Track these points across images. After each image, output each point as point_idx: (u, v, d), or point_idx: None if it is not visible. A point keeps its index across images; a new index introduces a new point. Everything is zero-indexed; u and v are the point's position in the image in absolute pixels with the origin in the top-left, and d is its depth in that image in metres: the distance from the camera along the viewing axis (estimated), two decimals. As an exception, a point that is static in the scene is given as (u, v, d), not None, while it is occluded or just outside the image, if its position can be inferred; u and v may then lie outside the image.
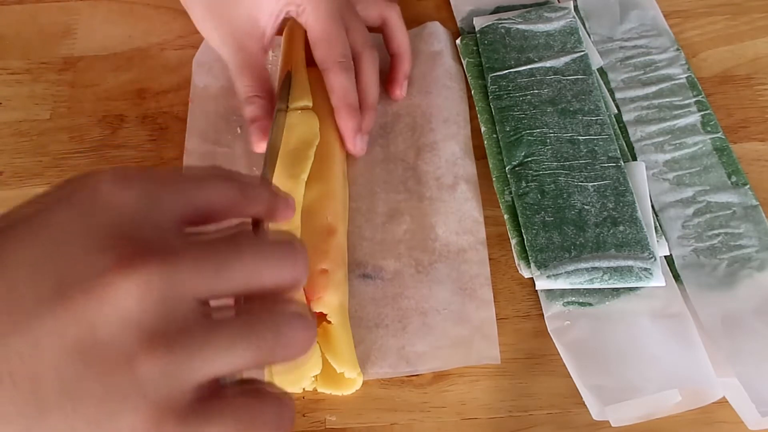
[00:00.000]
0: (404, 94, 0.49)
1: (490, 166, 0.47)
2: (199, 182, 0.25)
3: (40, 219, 0.23)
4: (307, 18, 0.43)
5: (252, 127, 0.44)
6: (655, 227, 0.44)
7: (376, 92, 0.46)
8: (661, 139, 0.48)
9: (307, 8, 0.43)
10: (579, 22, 0.53)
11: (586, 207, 0.44)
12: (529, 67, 0.50)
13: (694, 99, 0.50)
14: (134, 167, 0.22)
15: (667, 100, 0.50)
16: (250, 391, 0.24)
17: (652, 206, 0.45)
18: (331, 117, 0.45)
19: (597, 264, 0.42)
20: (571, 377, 0.40)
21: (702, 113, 0.49)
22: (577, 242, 0.43)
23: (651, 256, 0.42)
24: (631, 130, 0.49)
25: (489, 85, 0.50)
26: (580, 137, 0.47)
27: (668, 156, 0.48)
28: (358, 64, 0.45)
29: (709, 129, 0.48)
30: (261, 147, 0.44)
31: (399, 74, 0.49)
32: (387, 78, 0.49)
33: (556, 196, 0.44)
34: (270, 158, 0.40)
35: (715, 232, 0.45)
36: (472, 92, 0.51)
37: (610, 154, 0.46)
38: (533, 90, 0.49)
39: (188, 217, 0.24)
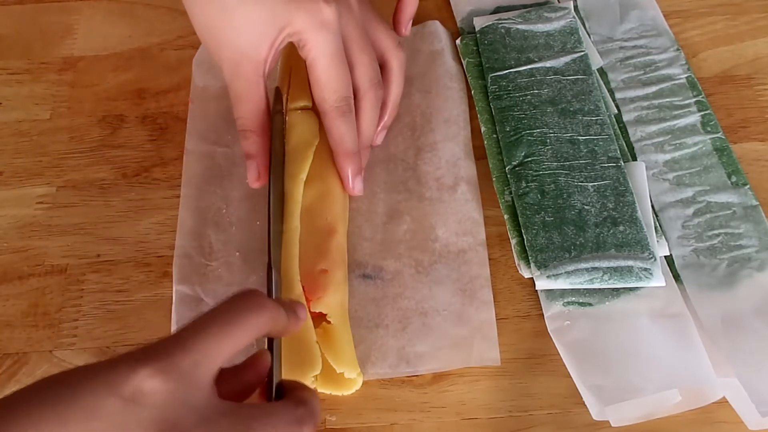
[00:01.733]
0: (408, 31, 0.48)
1: (490, 166, 0.47)
2: (229, 331, 0.28)
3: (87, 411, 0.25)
4: (308, 54, 0.40)
5: (247, 161, 0.42)
6: (655, 227, 0.44)
7: (373, 132, 0.45)
8: (661, 139, 0.48)
9: (308, 44, 0.40)
10: (579, 22, 0.53)
11: (586, 207, 0.44)
12: (529, 67, 0.50)
13: (694, 99, 0.50)
14: (166, 339, 0.27)
15: (667, 100, 0.50)
16: None
17: (652, 206, 0.45)
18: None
19: (597, 264, 0.42)
20: (571, 377, 0.40)
21: (702, 113, 0.49)
22: (577, 242, 0.43)
23: (651, 256, 0.42)
24: (631, 130, 0.49)
25: (489, 85, 0.50)
26: (580, 137, 0.47)
27: (668, 156, 0.48)
28: (359, 104, 0.43)
29: (709, 129, 0.48)
30: (255, 185, 0.42)
31: (405, 14, 0.47)
32: (392, 19, 0.47)
33: (556, 196, 0.44)
34: (275, 170, 0.40)
35: (715, 232, 0.45)
36: (472, 92, 0.51)
37: (610, 154, 0.46)
38: (533, 90, 0.49)
39: (220, 368, 0.27)
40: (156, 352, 0.26)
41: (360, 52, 0.42)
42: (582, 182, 0.45)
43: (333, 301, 0.40)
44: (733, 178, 0.46)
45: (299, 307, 0.33)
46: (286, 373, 0.38)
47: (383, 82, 0.45)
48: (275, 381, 0.32)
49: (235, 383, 0.30)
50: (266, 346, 0.32)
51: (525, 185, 0.45)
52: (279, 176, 0.41)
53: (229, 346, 0.28)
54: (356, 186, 0.44)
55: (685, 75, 0.51)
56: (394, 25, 0.47)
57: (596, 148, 0.46)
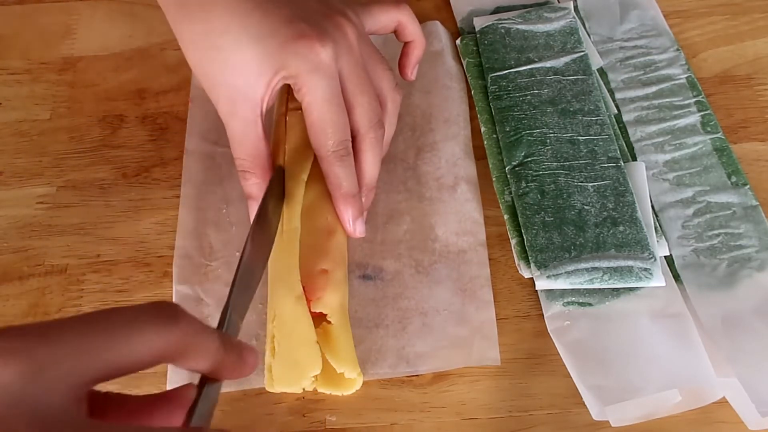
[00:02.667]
0: (414, 76, 0.46)
1: (490, 166, 0.47)
2: (117, 332, 0.22)
3: None
4: (303, 98, 0.39)
5: (248, 201, 0.42)
6: (655, 227, 0.44)
7: (376, 174, 0.43)
8: (661, 139, 0.48)
9: (303, 88, 0.38)
10: (579, 22, 0.53)
11: (586, 207, 0.44)
12: (529, 67, 0.50)
13: (694, 99, 0.50)
14: (30, 324, 0.22)
15: (667, 100, 0.50)
16: None
17: (652, 206, 0.45)
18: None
19: (597, 264, 0.42)
20: (571, 377, 0.40)
21: (702, 113, 0.49)
22: (577, 242, 0.43)
23: (651, 256, 0.42)
24: (631, 131, 0.49)
25: (489, 85, 0.50)
26: (580, 137, 0.47)
27: (668, 156, 0.48)
28: (359, 146, 0.41)
29: (709, 129, 0.49)
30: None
31: (412, 59, 0.46)
32: (399, 62, 0.47)
33: (556, 197, 0.44)
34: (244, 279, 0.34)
35: (715, 232, 0.45)
36: (472, 92, 0.51)
37: (610, 155, 0.46)
38: (533, 90, 0.49)
39: (98, 378, 0.22)
40: (8, 332, 0.21)
41: (359, 93, 0.40)
42: (582, 182, 0.45)
43: (333, 301, 0.40)
44: (733, 178, 0.46)
45: (249, 353, 0.28)
46: (287, 373, 0.39)
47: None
48: (196, 425, 0.26)
49: (133, 414, 0.25)
50: (197, 383, 0.27)
51: (525, 185, 0.45)
52: (267, 226, 0.39)
53: (110, 354, 0.22)
54: (357, 228, 0.42)
55: (685, 75, 0.51)
56: (400, 69, 0.46)
57: (596, 148, 0.46)
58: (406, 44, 0.46)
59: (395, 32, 0.46)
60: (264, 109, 0.40)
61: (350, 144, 0.41)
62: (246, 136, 0.40)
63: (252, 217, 0.41)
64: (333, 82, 0.39)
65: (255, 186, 0.41)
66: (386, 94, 0.43)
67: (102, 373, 0.22)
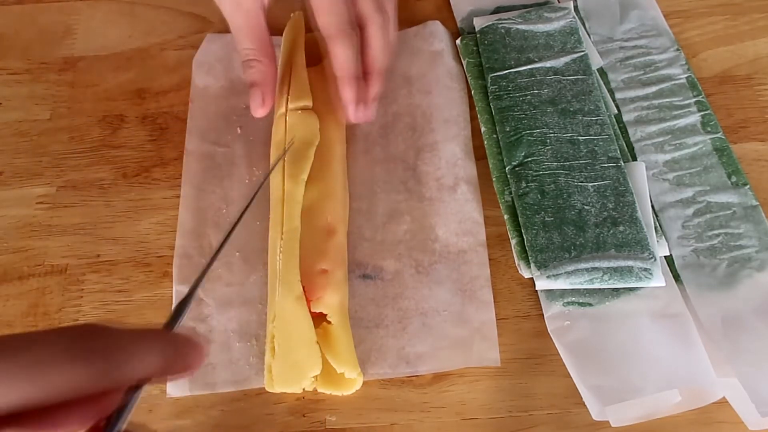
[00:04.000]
0: (371, 116, 0.44)
1: (490, 166, 0.47)
2: (26, 370, 0.20)
3: None
4: None
5: (251, 90, 0.43)
6: (655, 227, 0.44)
7: (384, 59, 0.44)
8: (661, 139, 0.48)
9: None
10: (579, 22, 0.53)
11: (586, 207, 0.44)
12: (529, 67, 0.50)
13: (694, 99, 0.50)
14: None
15: (667, 100, 0.50)
16: None
17: (652, 206, 0.45)
18: (332, 117, 0.45)
19: (597, 264, 0.42)
20: (571, 377, 0.40)
21: (702, 113, 0.49)
22: (577, 242, 0.43)
23: (651, 256, 0.42)
24: (631, 131, 0.49)
25: (489, 85, 0.50)
26: (580, 137, 0.47)
27: (668, 156, 0.48)
28: (366, 30, 0.43)
29: (709, 129, 0.48)
30: (259, 112, 0.43)
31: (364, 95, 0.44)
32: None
33: (556, 197, 0.44)
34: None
35: (715, 232, 0.45)
36: (472, 92, 0.51)
37: (610, 155, 0.46)
38: (533, 90, 0.49)
39: (11, 409, 0.19)
40: None
41: None
42: (582, 182, 0.45)
43: (333, 301, 0.40)
44: (733, 178, 0.46)
45: (193, 350, 0.25)
46: (287, 373, 0.39)
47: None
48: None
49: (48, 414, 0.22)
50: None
51: (525, 185, 0.45)
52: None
53: (20, 392, 0.20)
54: (357, 113, 0.43)
55: (685, 75, 0.51)
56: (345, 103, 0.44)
57: (596, 148, 0.46)
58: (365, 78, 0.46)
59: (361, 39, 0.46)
60: (266, 3, 0.42)
61: (356, 26, 0.42)
62: (250, 26, 0.42)
63: (255, 105, 0.43)
64: None
65: (259, 72, 0.42)
66: (368, 13, 0.43)
67: (16, 405, 0.20)
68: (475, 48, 0.52)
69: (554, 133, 0.47)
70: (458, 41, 0.53)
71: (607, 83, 0.51)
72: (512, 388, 0.41)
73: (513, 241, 0.44)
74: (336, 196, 0.43)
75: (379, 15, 0.43)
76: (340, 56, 0.41)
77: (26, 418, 0.21)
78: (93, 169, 0.49)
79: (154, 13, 0.56)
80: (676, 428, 0.39)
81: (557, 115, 0.48)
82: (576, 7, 0.55)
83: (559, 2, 0.55)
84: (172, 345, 0.25)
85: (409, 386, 0.41)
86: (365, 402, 0.41)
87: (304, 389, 0.40)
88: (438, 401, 0.40)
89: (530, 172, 0.45)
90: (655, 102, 0.50)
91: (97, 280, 0.45)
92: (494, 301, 0.43)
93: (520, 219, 0.44)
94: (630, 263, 0.41)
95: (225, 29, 0.48)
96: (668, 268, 0.43)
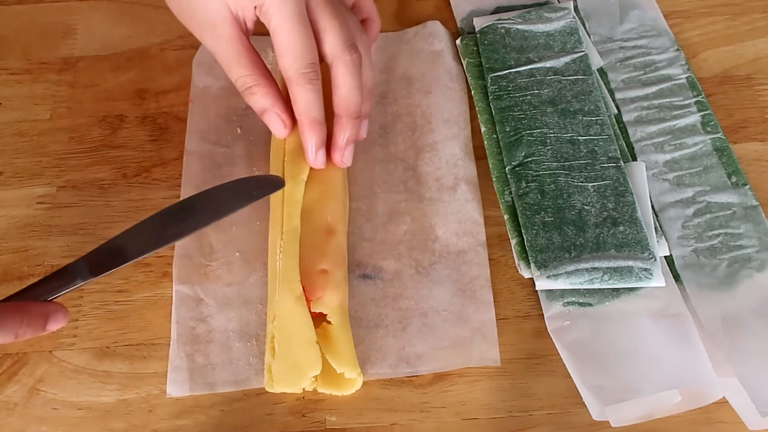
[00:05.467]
0: (347, 162, 0.43)
1: (490, 166, 0.47)
2: None
3: None
4: (269, 20, 0.39)
5: (264, 118, 0.41)
6: (655, 227, 0.44)
7: (356, 99, 0.41)
8: (661, 139, 0.48)
9: (270, 9, 0.38)
10: (579, 22, 0.53)
11: (586, 207, 0.44)
12: (529, 67, 0.50)
13: (694, 99, 0.50)
14: None
15: (667, 100, 0.50)
16: None
17: (652, 206, 0.45)
18: (331, 117, 0.45)
19: (597, 264, 0.42)
20: (571, 377, 0.40)
21: (702, 113, 0.49)
22: (577, 242, 0.43)
23: (651, 256, 0.42)
24: (631, 131, 0.49)
25: (489, 85, 0.50)
26: (580, 137, 0.47)
27: (668, 156, 0.48)
28: (334, 71, 0.41)
29: (709, 129, 0.49)
30: (285, 134, 0.42)
31: (370, 35, 0.43)
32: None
33: (556, 197, 0.44)
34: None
35: (715, 232, 0.45)
36: (472, 92, 0.51)
37: (610, 155, 0.46)
38: (533, 90, 0.49)
39: None
40: None
41: (329, 17, 0.40)
42: (582, 182, 0.45)
43: (333, 301, 0.40)
44: (733, 179, 0.46)
45: (56, 313, 0.34)
46: (287, 373, 0.39)
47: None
48: None
49: None
50: None
51: (525, 185, 0.45)
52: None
53: None
54: (318, 159, 0.42)
55: (685, 75, 0.51)
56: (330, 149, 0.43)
57: (596, 149, 0.46)
58: (362, 21, 0.46)
59: (353, 7, 0.46)
60: (247, 26, 0.40)
61: (318, 68, 0.40)
62: (238, 53, 0.40)
63: (277, 129, 0.42)
64: (299, 4, 0.39)
65: (265, 96, 0.41)
66: (337, 53, 0.41)
67: None
68: (475, 48, 0.52)
69: (554, 133, 0.47)
70: (458, 41, 0.53)
71: (607, 83, 0.51)
72: (512, 388, 0.41)
73: (513, 241, 0.44)
74: (336, 196, 0.43)
75: (348, 54, 0.40)
76: (301, 102, 0.40)
77: None
78: (93, 169, 0.49)
79: (154, 13, 0.56)
80: (676, 428, 0.39)
81: (557, 115, 0.48)
82: (576, 7, 0.55)
83: (559, 2, 0.55)
84: (25, 317, 0.32)
85: (409, 386, 0.41)
86: (365, 402, 0.41)
87: (304, 389, 0.40)
88: (438, 401, 0.40)
89: (530, 172, 0.45)
90: (655, 102, 0.50)
91: (97, 280, 0.45)
92: (494, 301, 0.43)
93: (520, 219, 0.44)
94: (630, 263, 0.41)
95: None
96: (668, 268, 0.43)
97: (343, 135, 0.42)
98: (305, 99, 0.40)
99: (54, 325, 0.34)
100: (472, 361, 0.41)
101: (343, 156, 0.42)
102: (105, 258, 0.35)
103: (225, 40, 0.40)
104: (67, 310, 0.35)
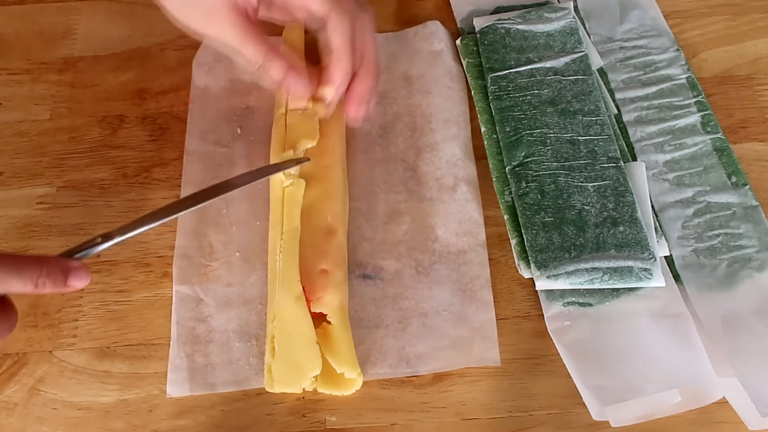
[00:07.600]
0: (360, 115, 0.44)
1: (490, 166, 0.47)
2: None
3: None
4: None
5: (286, 81, 0.42)
6: (655, 227, 0.44)
7: (351, 38, 0.42)
8: (661, 139, 0.48)
9: None
10: (579, 22, 0.53)
11: (586, 207, 0.44)
12: (529, 67, 0.50)
13: (694, 99, 0.50)
14: None
15: (667, 100, 0.50)
16: None
17: (652, 206, 0.45)
18: (332, 117, 0.45)
19: (597, 264, 0.42)
20: (571, 377, 0.40)
21: (702, 113, 0.49)
22: (577, 242, 0.43)
23: (651, 256, 0.42)
24: (631, 131, 0.49)
25: (489, 85, 0.50)
26: (580, 137, 0.47)
27: (668, 156, 0.48)
28: (329, 20, 0.41)
29: (709, 129, 0.49)
30: (308, 90, 0.43)
31: (358, 89, 0.44)
32: (345, 96, 0.44)
33: (556, 197, 0.44)
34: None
35: (715, 232, 0.45)
36: (472, 92, 0.51)
37: (610, 155, 0.46)
38: (533, 90, 0.49)
39: None
40: None
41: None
42: (582, 182, 0.45)
43: (333, 302, 0.40)
44: (733, 179, 0.46)
45: (77, 270, 0.35)
46: (287, 373, 0.39)
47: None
48: None
49: None
50: None
51: (525, 185, 0.45)
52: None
53: None
54: (340, 89, 0.43)
55: (685, 75, 0.51)
56: (345, 104, 0.44)
57: (596, 149, 0.46)
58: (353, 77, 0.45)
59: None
60: (248, 12, 0.41)
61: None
62: (246, 34, 0.41)
63: (301, 86, 0.42)
64: None
65: (277, 68, 0.41)
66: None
67: None
68: (475, 48, 0.52)
69: (554, 133, 0.47)
70: (458, 41, 0.53)
71: (607, 83, 0.51)
72: (512, 388, 0.41)
73: (513, 241, 0.44)
74: (336, 196, 0.43)
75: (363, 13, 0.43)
76: (337, 28, 0.41)
77: None
78: (93, 169, 0.49)
79: (154, 13, 0.56)
80: (676, 428, 0.39)
81: (557, 116, 0.48)
82: (576, 7, 0.55)
83: (559, 2, 0.55)
84: (45, 268, 0.33)
85: (409, 386, 0.41)
86: (365, 402, 0.41)
87: (304, 389, 0.40)
88: (438, 401, 0.40)
89: (530, 172, 0.45)
90: (655, 102, 0.50)
91: (97, 280, 0.45)
92: (494, 301, 0.43)
93: (520, 219, 0.44)
94: (630, 263, 0.41)
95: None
96: (668, 268, 0.43)
97: (361, 84, 0.43)
98: (341, 25, 0.41)
99: (76, 281, 0.34)
100: (472, 361, 0.41)
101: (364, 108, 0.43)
102: (128, 226, 0.37)
103: (230, 25, 0.41)
104: (89, 271, 0.35)
